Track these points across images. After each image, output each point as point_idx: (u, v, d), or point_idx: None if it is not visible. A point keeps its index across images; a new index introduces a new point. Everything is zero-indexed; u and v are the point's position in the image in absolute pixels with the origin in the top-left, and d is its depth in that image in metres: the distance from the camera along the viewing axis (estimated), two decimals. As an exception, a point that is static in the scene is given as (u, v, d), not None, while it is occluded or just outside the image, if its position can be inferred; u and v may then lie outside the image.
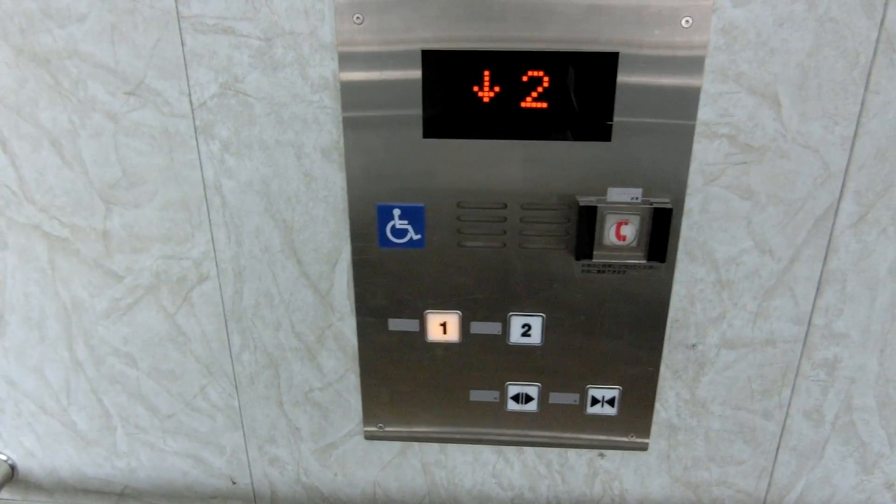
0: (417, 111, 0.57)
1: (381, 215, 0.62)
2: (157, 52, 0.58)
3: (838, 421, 0.69)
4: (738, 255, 0.62)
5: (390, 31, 0.55)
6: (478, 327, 0.66)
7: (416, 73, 0.56)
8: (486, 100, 0.56)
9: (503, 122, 0.57)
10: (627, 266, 0.62)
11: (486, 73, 0.55)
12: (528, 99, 0.56)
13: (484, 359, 0.68)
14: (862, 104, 0.55)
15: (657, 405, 0.70)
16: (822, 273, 0.62)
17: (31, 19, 0.57)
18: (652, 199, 0.59)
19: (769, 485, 0.73)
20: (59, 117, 0.61)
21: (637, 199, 0.59)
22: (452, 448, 0.74)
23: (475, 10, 0.54)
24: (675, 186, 0.59)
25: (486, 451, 0.74)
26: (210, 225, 0.64)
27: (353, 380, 0.71)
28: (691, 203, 0.60)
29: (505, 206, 0.60)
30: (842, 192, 0.59)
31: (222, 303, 0.68)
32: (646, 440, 0.71)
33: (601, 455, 0.73)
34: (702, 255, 0.62)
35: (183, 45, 0.57)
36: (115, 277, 0.68)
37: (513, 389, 0.69)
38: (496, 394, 0.69)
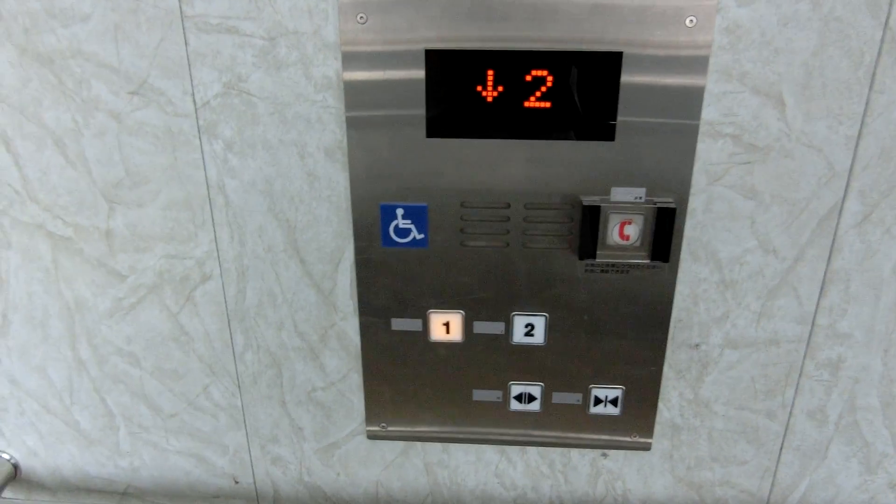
0: (421, 111, 0.57)
1: (384, 215, 0.62)
2: (160, 52, 0.58)
3: (842, 421, 0.69)
4: (742, 254, 0.62)
5: (394, 30, 0.55)
6: (481, 327, 0.66)
7: (420, 73, 0.56)
8: (489, 99, 0.56)
9: (507, 122, 0.57)
10: (631, 266, 0.62)
11: (490, 72, 0.55)
12: (532, 98, 0.56)
13: (487, 358, 0.68)
14: (866, 104, 0.55)
15: (660, 405, 0.69)
16: (825, 273, 0.62)
17: (34, 19, 0.57)
18: (655, 199, 0.59)
19: (772, 485, 0.73)
20: (62, 117, 0.61)
21: (640, 198, 0.59)
22: (455, 448, 0.74)
23: (479, 9, 0.53)
24: (679, 186, 0.58)
25: (489, 451, 0.74)
26: (213, 224, 0.64)
27: (356, 379, 0.71)
28: (695, 203, 0.60)
29: (508, 206, 0.60)
30: (846, 191, 0.58)
31: (225, 302, 0.68)
32: (649, 440, 0.71)
33: (604, 455, 0.73)
34: (705, 255, 0.62)
35: (186, 44, 0.57)
36: (119, 277, 0.68)
37: (516, 389, 0.69)
38: (499, 393, 0.69)
